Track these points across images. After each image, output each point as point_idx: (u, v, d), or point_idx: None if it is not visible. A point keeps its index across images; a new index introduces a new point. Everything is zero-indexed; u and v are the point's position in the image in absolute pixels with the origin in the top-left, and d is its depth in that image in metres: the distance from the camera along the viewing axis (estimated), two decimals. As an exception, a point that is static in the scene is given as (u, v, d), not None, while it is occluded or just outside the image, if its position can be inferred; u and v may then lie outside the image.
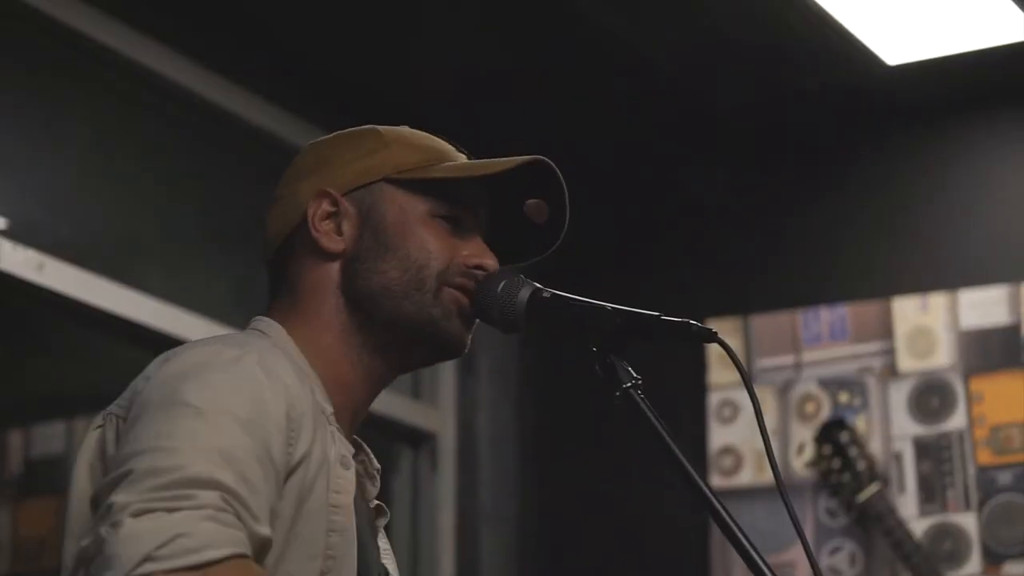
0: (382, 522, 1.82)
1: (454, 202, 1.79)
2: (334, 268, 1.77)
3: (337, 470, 1.65)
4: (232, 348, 1.63)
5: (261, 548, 1.50)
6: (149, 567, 1.40)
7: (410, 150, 1.80)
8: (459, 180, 1.78)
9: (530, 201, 1.82)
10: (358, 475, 1.79)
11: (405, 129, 1.85)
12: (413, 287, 1.74)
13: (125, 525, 1.42)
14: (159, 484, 1.45)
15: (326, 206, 1.77)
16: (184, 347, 1.66)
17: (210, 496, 1.45)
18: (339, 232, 1.77)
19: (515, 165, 1.77)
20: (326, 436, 1.66)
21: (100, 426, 1.66)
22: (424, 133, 1.85)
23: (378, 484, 1.82)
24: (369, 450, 1.82)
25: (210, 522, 1.44)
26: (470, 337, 1.79)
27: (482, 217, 1.82)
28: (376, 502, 1.81)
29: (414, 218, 1.77)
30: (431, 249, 1.76)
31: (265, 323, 1.77)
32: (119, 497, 1.45)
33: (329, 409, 1.70)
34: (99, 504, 1.49)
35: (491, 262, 1.78)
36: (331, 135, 1.86)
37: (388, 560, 1.81)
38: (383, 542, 1.82)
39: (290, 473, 1.59)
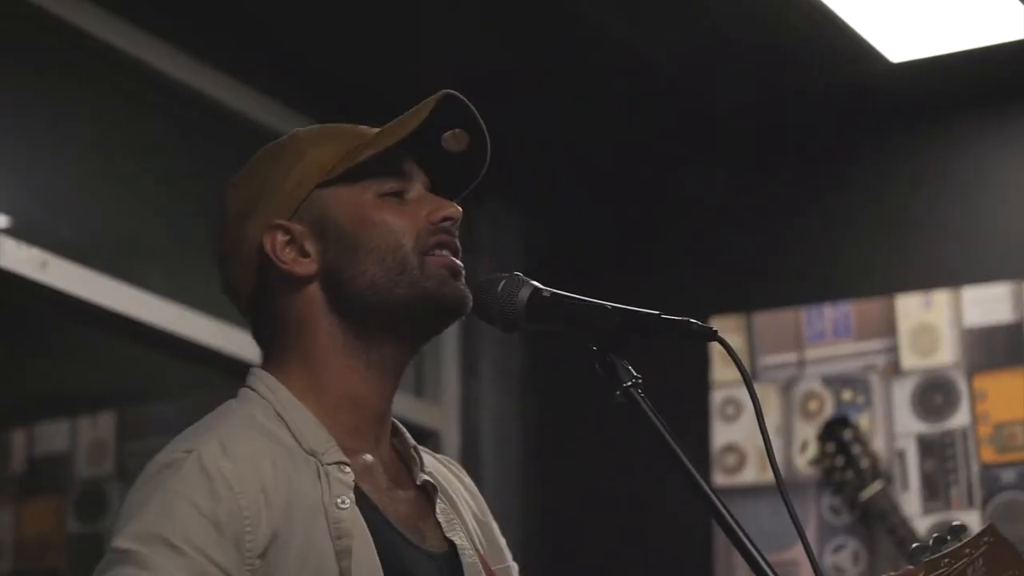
0: (435, 495, 1.80)
1: (392, 174, 1.77)
2: (314, 290, 1.75)
3: (334, 513, 1.65)
4: (186, 443, 1.66)
5: None
6: None
7: (324, 148, 1.78)
8: (386, 152, 1.75)
9: (446, 134, 1.81)
10: (400, 457, 1.79)
11: (301, 131, 1.83)
12: (396, 272, 1.73)
13: None
14: None
15: (280, 236, 1.75)
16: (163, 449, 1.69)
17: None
18: (304, 255, 1.75)
19: (427, 113, 1.75)
20: (313, 486, 1.66)
21: None
22: (320, 126, 1.83)
23: (419, 461, 1.81)
24: (404, 430, 1.82)
25: None
26: (468, 294, 1.77)
27: (419, 173, 1.80)
28: (424, 478, 1.79)
29: (365, 206, 1.75)
30: (395, 228, 1.74)
31: (256, 377, 1.77)
32: None
33: (325, 448, 1.70)
34: None
35: (453, 210, 1.77)
36: (240, 172, 1.82)
37: (455, 531, 1.78)
38: (443, 516, 1.78)
39: (263, 553, 1.61)
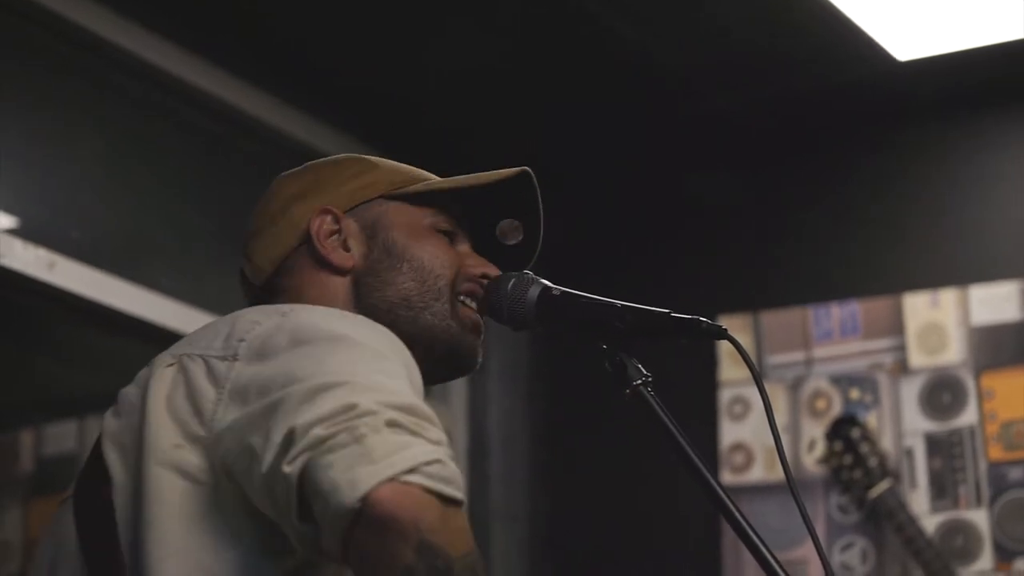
0: None
1: (451, 216, 1.80)
2: (342, 284, 1.74)
3: None
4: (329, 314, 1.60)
5: None
6: (414, 478, 1.37)
7: (397, 170, 1.81)
8: (457, 191, 1.78)
9: (503, 222, 1.84)
10: None
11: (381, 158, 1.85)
12: (432, 297, 1.74)
13: (384, 431, 1.39)
14: (393, 404, 1.42)
15: (329, 223, 1.75)
16: (291, 307, 1.61)
17: (440, 435, 1.43)
18: (346, 249, 1.75)
19: (506, 176, 1.78)
20: None
21: (171, 364, 1.60)
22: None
23: None
24: None
25: (453, 462, 1.42)
26: (481, 353, 1.79)
27: (467, 234, 1.82)
28: None
29: (422, 228, 1.77)
30: (442, 258, 1.76)
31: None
32: (363, 400, 1.40)
33: None
34: (283, 406, 1.43)
35: (494, 271, 1.79)
36: (307, 164, 1.83)
37: None
38: None
39: None
